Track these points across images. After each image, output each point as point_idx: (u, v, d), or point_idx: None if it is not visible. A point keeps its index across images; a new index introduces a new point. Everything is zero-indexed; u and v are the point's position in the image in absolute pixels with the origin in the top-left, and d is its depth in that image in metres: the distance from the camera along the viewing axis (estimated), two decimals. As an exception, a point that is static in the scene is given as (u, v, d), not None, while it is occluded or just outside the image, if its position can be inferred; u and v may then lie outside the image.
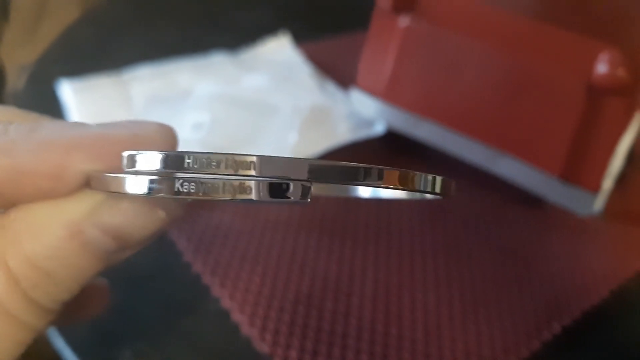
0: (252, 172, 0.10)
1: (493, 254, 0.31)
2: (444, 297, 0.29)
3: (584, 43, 0.28)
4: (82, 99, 0.38)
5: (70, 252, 0.11)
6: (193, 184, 0.10)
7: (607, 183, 0.30)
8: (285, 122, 0.37)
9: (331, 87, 0.42)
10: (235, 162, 0.10)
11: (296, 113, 0.38)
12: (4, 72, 0.83)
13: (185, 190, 0.10)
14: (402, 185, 0.11)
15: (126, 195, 0.12)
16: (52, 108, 0.38)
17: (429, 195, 0.13)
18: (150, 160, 0.10)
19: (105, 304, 0.17)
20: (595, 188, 0.30)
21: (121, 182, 0.11)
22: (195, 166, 0.10)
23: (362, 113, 0.37)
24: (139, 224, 0.12)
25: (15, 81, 0.79)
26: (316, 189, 0.15)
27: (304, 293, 0.28)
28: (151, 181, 0.10)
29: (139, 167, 0.11)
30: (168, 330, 0.26)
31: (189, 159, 0.10)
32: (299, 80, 0.42)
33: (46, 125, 0.12)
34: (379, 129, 0.38)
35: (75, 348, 0.25)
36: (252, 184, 0.10)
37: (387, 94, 0.34)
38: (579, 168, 0.30)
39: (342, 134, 0.37)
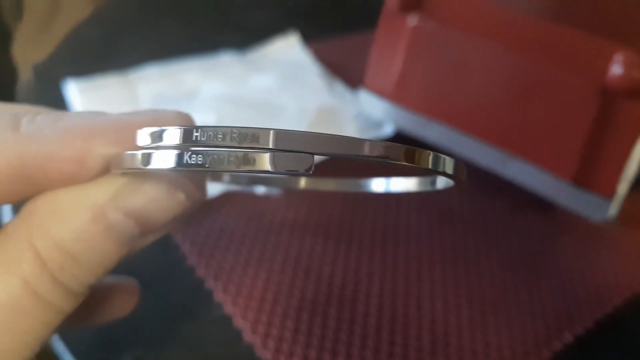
0: (258, 145, 0.10)
1: (502, 260, 0.31)
2: (452, 305, 0.28)
3: (598, 44, 0.27)
4: (88, 99, 0.38)
5: (95, 235, 0.12)
6: (200, 155, 0.10)
7: (622, 188, 0.29)
8: (292, 123, 0.37)
9: (340, 88, 0.41)
10: (240, 135, 0.10)
11: (303, 114, 0.37)
12: (16, 70, 0.84)
13: (193, 162, 0.10)
14: (410, 162, 0.11)
15: (148, 176, 0.12)
16: (59, 107, 0.38)
17: (439, 186, 0.13)
18: (171, 135, 0.11)
19: (135, 302, 0.18)
20: (609, 193, 0.29)
21: (142, 158, 0.11)
22: (203, 139, 0.10)
23: (370, 114, 0.36)
24: (160, 206, 0.13)
25: (27, 79, 0.79)
26: (331, 185, 0.15)
27: (308, 299, 0.27)
28: (172, 154, 0.11)
29: (160, 142, 0.11)
30: (168, 336, 0.26)
31: (197, 132, 0.10)
32: (307, 80, 0.41)
33: (70, 114, 0.13)
34: (387, 130, 0.37)
35: (75, 352, 0.25)
36: (257, 155, 0.10)
37: (396, 95, 0.34)
38: (593, 172, 0.29)
39: (350, 135, 0.36)
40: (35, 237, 0.12)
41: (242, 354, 0.25)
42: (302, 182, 0.15)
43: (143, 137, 0.11)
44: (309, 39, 0.47)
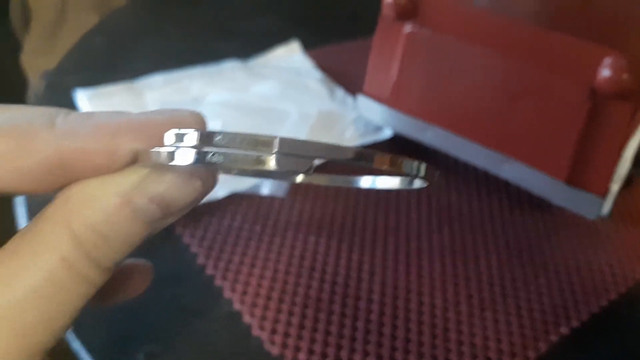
0: (267, 149, 0.12)
1: (500, 256, 0.32)
2: (451, 301, 0.29)
3: (588, 48, 0.28)
4: (97, 107, 0.39)
5: (123, 217, 0.14)
6: (221, 155, 0.12)
7: (615, 186, 0.30)
8: (294, 128, 0.38)
9: (340, 93, 0.42)
10: (255, 140, 0.12)
11: (304, 119, 0.38)
12: (26, 78, 0.85)
13: (214, 160, 0.12)
14: (390, 166, 0.13)
15: (169, 167, 0.14)
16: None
17: (416, 185, 0.15)
18: (190, 137, 0.13)
19: (148, 282, 0.19)
20: (602, 192, 0.30)
21: (167, 155, 0.13)
22: (224, 142, 0.13)
23: (369, 119, 0.37)
24: (180, 192, 0.14)
25: (36, 89, 0.80)
26: (324, 180, 0.17)
27: (312, 297, 0.28)
28: (191, 153, 0.13)
29: (181, 142, 0.13)
30: (180, 332, 0.27)
31: (219, 136, 0.13)
32: (308, 86, 0.43)
33: (97, 114, 0.14)
34: (386, 134, 0.38)
35: (90, 350, 0.26)
36: (266, 157, 0.12)
37: (393, 100, 0.35)
38: (586, 172, 0.31)
39: (350, 139, 0.38)
40: (72, 220, 0.13)
41: (251, 349, 0.26)
42: (299, 178, 0.17)
43: (169, 137, 0.13)
44: (310, 46, 0.48)
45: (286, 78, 0.43)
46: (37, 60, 0.82)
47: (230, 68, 0.45)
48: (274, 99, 0.41)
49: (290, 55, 0.47)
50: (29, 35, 0.85)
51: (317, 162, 0.13)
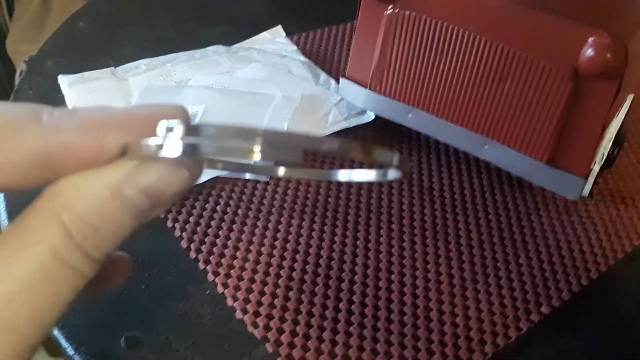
0: (256, 141, 0.13)
1: (481, 236, 0.32)
2: (433, 281, 0.29)
3: (571, 28, 0.28)
4: (79, 93, 0.39)
5: (113, 209, 0.14)
6: (208, 147, 0.13)
7: (596, 167, 0.30)
8: (277, 111, 0.38)
9: (323, 77, 0.42)
10: (240, 132, 0.13)
11: (288, 102, 0.38)
12: (11, 66, 0.84)
13: (202, 151, 0.13)
14: (365, 155, 0.14)
15: (156, 159, 0.14)
16: (52, 102, 0.39)
17: (391, 177, 0.16)
18: (177, 129, 0.14)
19: (127, 274, 0.19)
20: (583, 173, 0.31)
21: (156, 147, 0.13)
22: (210, 134, 0.13)
23: (352, 102, 0.37)
24: (168, 182, 0.15)
25: (21, 72, 0.80)
26: (304, 174, 0.18)
27: (295, 279, 0.29)
28: (179, 145, 0.13)
29: (169, 134, 0.14)
30: (163, 316, 0.27)
31: (205, 128, 0.13)
32: (292, 70, 0.42)
33: (83, 109, 0.15)
34: (368, 117, 0.38)
35: (70, 336, 0.26)
36: (252, 149, 0.13)
37: (374, 83, 0.35)
38: (567, 153, 0.31)
39: (333, 122, 0.37)
40: (62, 212, 0.13)
41: (235, 332, 0.26)
42: (281, 172, 0.18)
43: (161, 129, 0.14)
44: (293, 31, 0.48)
45: (270, 62, 0.43)
46: (22, 47, 0.81)
47: (214, 52, 0.44)
48: (257, 83, 0.40)
49: (274, 40, 0.46)
50: (13, 22, 0.84)
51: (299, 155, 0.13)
